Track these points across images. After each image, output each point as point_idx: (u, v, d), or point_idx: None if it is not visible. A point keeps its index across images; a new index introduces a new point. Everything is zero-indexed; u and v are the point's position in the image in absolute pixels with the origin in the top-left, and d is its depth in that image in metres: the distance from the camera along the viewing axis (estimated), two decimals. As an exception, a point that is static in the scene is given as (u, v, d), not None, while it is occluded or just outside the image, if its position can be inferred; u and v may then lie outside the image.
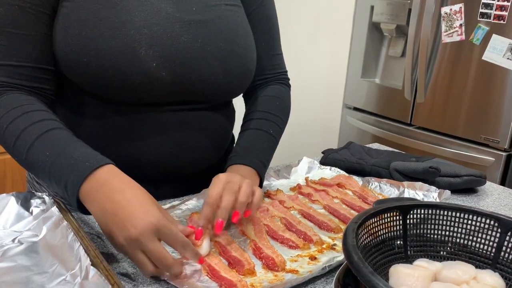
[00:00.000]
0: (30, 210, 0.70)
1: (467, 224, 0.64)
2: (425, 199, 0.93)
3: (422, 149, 2.18)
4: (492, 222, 0.63)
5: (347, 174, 1.06)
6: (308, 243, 0.76)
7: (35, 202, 0.71)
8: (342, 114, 2.64)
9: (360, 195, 0.97)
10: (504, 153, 1.96)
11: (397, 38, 2.34)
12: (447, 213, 0.65)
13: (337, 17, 2.62)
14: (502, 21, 1.87)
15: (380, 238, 0.62)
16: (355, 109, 2.55)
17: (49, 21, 0.76)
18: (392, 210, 0.63)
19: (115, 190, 0.66)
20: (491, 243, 0.63)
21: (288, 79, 1.04)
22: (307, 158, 1.12)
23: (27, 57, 0.76)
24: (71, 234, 0.63)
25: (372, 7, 2.34)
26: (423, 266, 0.58)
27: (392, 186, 0.99)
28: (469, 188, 1.05)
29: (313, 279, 0.68)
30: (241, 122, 0.96)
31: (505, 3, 1.84)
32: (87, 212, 0.69)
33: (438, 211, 0.65)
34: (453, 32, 2.02)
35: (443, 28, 2.05)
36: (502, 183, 1.97)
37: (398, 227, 0.64)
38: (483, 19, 1.91)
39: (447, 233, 0.65)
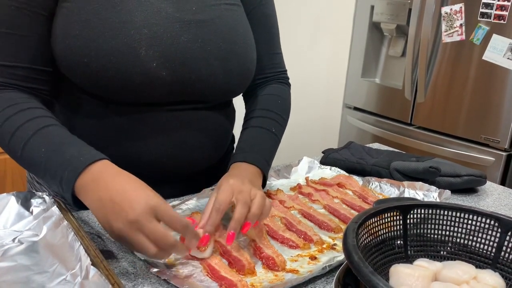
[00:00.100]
0: (31, 210, 0.70)
1: (467, 224, 0.64)
2: (425, 199, 0.93)
3: (422, 149, 2.18)
4: (492, 222, 0.63)
5: (347, 174, 1.06)
6: (309, 243, 0.76)
7: (35, 201, 0.71)
8: (342, 113, 2.64)
9: (360, 195, 0.97)
10: (504, 153, 1.96)
11: (397, 38, 2.34)
12: (447, 213, 0.65)
13: (337, 17, 2.62)
14: (502, 21, 1.87)
15: (380, 238, 0.62)
16: (355, 109, 2.55)
17: (46, 22, 0.76)
18: (392, 210, 0.63)
19: (110, 179, 0.67)
20: (491, 243, 0.63)
21: (288, 78, 1.04)
22: (307, 158, 1.12)
23: (22, 57, 0.76)
24: (71, 233, 0.63)
25: (372, 7, 2.34)
26: (423, 266, 0.58)
27: (392, 186, 0.99)
28: (469, 188, 1.05)
29: (313, 279, 0.68)
30: (241, 122, 0.96)
31: (506, 3, 1.84)
32: (82, 207, 0.69)
33: (438, 211, 0.65)
34: (453, 32, 2.02)
35: (443, 28, 2.05)
36: (502, 183, 1.97)
37: (398, 227, 0.64)
38: (484, 19, 1.91)
39: (447, 233, 0.65)
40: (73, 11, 0.75)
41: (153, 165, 0.85)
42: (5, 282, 0.58)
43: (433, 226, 0.65)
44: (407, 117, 2.28)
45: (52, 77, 0.82)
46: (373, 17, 2.35)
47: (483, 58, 1.94)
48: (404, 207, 0.64)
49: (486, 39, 1.92)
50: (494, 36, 1.89)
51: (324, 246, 0.76)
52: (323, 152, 1.18)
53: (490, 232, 0.63)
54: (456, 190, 1.03)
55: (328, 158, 1.14)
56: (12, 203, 0.71)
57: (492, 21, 1.89)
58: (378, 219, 0.62)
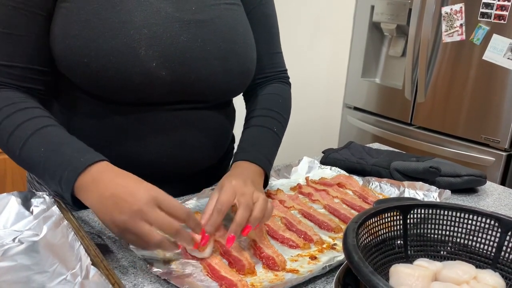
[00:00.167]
0: (31, 210, 0.70)
1: (467, 224, 0.64)
2: (426, 199, 0.93)
3: (423, 149, 2.18)
4: (492, 222, 0.63)
5: (347, 174, 1.06)
6: (309, 243, 0.76)
7: (35, 201, 0.71)
8: (343, 113, 2.64)
9: (360, 194, 0.97)
10: (504, 153, 1.96)
11: (397, 38, 2.34)
12: (448, 213, 0.65)
13: (337, 16, 2.62)
14: (502, 21, 1.86)
15: (380, 238, 0.62)
16: (356, 108, 2.55)
17: (44, 22, 0.76)
18: (393, 210, 0.63)
19: (110, 179, 0.68)
20: (491, 243, 0.63)
21: (288, 78, 1.04)
22: (307, 157, 1.12)
23: (19, 57, 0.76)
24: (71, 233, 0.63)
25: (373, 7, 2.34)
26: (424, 266, 0.58)
27: (393, 186, 0.99)
28: (469, 188, 1.05)
29: (314, 279, 0.68)
30: (241, 122, 0.96)
31: (506, 3, 1.84)
32: (82, 207, 0.70)
33: (438, 211, 0.65)
34: (453, 32, 2.02)
35: (444, 28, 2.05)
36: (503, 183, 1.97)
37: (398, 226, 0.64)
38: (484, 19, 1.91)
39: (448, 233, 0.65)
40: (73, 11, 0.75)
41: (153, 165, 0.85)
42: (5, 282, 0.58)
43: (433, 226, 0.65)
44: (407, 117, 2.28)
45: (49, 77, 0.82)
46: (373, 17, 2.35)
47: (483, 58, 1.94)
48: (404, 207, 0.64)
49: (486, 39, 1.92)
50: (494, 36, 1.89)
51: (324, 246, 0.76)
52: (323, 152, 1.18)
53: (490, 232, 0.63)
54: (456, 190, 1.03)
55: (328, 158, 1.14)
56: (12, 203, 0.71)
57: (492, 21, 1.89)
58: (378, 219, 0.62)
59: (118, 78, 0.75)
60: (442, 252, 0.65)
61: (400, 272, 0.56)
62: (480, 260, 0.63)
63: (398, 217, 0.64)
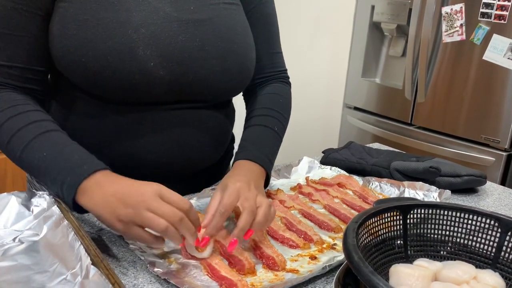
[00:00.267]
0: (31, 209, 0.70)
1: (467, 224, 0.64)
2: (426, 199, 0.93)
3: (423, 149, 2.18)
4: (492, 222, 0.63)
5: (347, 174, 1.06)
6: (309, 243, 0.76)
7: (35, 201, 0.71)
8: (343, 113, 2.64)
9: (360, 194, 0.97)
10: (504, 153, 1.95)
11: (397, 37, 2.34)
12: (448, 213, 0.65)
13: (337, 16, 2.62)
14: (502, 21, 1.86)
15: (380, 238, 0.62)
16: (356, 108, 2.55)
17: (42, 22, 0.77)
18: (393, 210, 0.63)
19: (114, 180, 0.70)
20: (491, 243, 0.63)
21: (288, 78, 1.03)
22: (307, 157, 1.12)
23: (18, 57, 0.76)
24: (71, 233, 0.63)
25: (373, 7, 2.34)
26: (423, 265, 0.58)
27: (393, 186, 0.99)
28: (469, 188, 1.05)
29: (314, 279, 0.68)
30: (241, 122, 0.96)
31: (506, 3, 1.84)
32: (80, 211, 0.70)
33: (438, 211, 0.65)
34: (453, 32, 2.02)
35: (444, 27, 2.05)
36: (503, 183, 1.97)
37: (398, 226, 0.64)
38: (484, 19, 1.91)
39: (448, 233, 0.65)
40: (71, 11, 0.75)
41: (152, 164, 0.85)
42: (5, 281, 0.58)
43: (433, 226, 0.65)
44: (407, 117, 2.27)
45: (47, 77, 0.82)
46: (373, 17, 2.35)
47: (484, 58, 1.94)
48: (404, 207, 0.64)
49: (487, 39, 1.92)
50: (495, 36, 1.89)
51: (324, 246, 0.76)
52: (323, 152, 1.18)
53: (490, 232, 0.63)
54: (456, 190, 1.03)
55: (328, 158, 1.14)
56: (12, 202, 0.71)
57: (493, 21, 1.89)
58: (378, 219, 0.62)
59: (116, 78, 0.75)
60: (442, 252, 0.65)
61: (400, 272, 0.56)
62: (480, 260, 0.63)
63: (398, 217, 0.64)
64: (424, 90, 2.16)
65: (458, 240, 0.65)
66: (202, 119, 0.87)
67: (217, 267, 0.67)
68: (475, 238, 0.64)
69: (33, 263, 0.61)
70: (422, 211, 0.65)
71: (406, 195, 0.95)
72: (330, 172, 1.09)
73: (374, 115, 2.44)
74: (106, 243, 0.75)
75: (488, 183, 1.09)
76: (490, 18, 1.89)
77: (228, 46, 0.83)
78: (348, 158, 1.12)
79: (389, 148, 1.28)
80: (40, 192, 0.72)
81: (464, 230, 0.65)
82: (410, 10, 2.13)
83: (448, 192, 0.93)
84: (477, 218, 0.64)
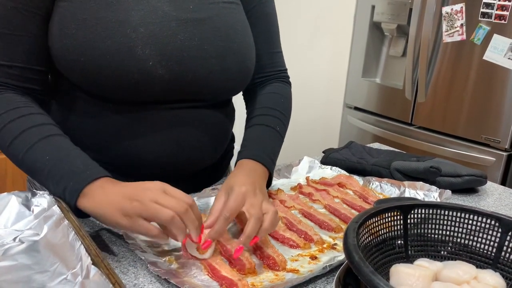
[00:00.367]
0: (31, 209, 0.70)
1: (468, 224, 0.64)
2: (426, 199, 0.93)
3: (423, 149, 2.18)
4: (493, 222, 0.63)
5: (347, 174, 1.06)
6: (309, 243, 0.76)
7: (36, 201, 0.71)
8: (343, 113, 2.64)
9: (360, 194, 0.97)
10: (504, 153, 1.95)
11: (398, 37, 2.34)
12: (448, 213, 0.65)
13: (337, 16, 2.62)
14: (503, 21, 1.86)
15: (380, 238, 0.62)
16: (356, 108, 2.55)
17: (42, 22, 0.77)
18: (393, 209, 0.63)
19: (117, 183, 0.71)
20: (492, 243, 0.63)
21: (289, 77, 1.03)
22: (307, 157, 1.12)
23: (18, 57, 0.77)
24: (72, 233, 0.63)
25: (373, 7, 2.34)
26: (424, 265, 0.58)
27: (393, 186, 0.99)
28: (470, 188, 1.05)
29: (314, 279, 0.68)
30: (241, 121, 0.96)
31: (506, 2, 1.84)
32: (82, 215, 0.70)
33: (439, 210, 0.65)
34: (454, 32, 2.02)
35: (444, 27, 2.05)
36: (503, 183, 1.97)
37: (398, 226, 0.64)
38: (484, 19, 1.91)
39: (448, 232, 0.65)
40: (70, 11, 0.75)
41: (152, 164, 0.85)
42: (5, 281, 0.58)
43: (433, 226, 0.65)
44: (407, 117, 2.27)
45: (47, 77, 0.83)
46: (373, 17, 2.35)
47: (484, 58, 1.94)
48: (405, 207, 0.64)
49: (487, 39, 1.92)
50: (495, 36, 1.89)
51: (325, 245, 0.76)
52: (323, 152, 1.18)
53: (490, 232, 0.63)
54: (457, 190, 1.03)
55: (329, 158, 1.14)
56: (13, 202, 0.71)
57: (493, 21, 1.89)
58: (378, 219, 0.62)
59: (115, 77, 0.75)
60: (442, 252, 0.65)
61: (400, 272, 0.56)
62: (480, 260, 0.63)
63: (398, 217, 0.64)
64: (424, 90, 2.16)
65: (458, 240, 0.65)
66: (202, 119, 0.87)
67: (217, 267, 0.67)
68: (475, 238, 0.64)
69: (33, 263, 0.61)
70: (423, 211, 0.65)
71: (407, 195, 0.95)
72: (331, 172, 1.09)
73: (375, 115, 2.44)
74: (106, 243, 0.75)
75: (489, 183, 1.09)
76: (491, 18, 1.89)
77: (228, 45, 0.83)
78: (349, 158, 1.12)
79: (390, 148, 1.28)
80: (41, 192, 0.72)
81: (464, 230, 0.64)
82: (411, 10, 2.13)
83: (448, 192, 0.93)
84: (477, 218, 0.64)
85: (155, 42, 0.76)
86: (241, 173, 0.80)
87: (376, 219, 0.61)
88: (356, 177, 1.05)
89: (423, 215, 0.65)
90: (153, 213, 0.65)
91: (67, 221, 0.65)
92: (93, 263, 0.57)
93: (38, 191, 0.72)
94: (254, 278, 0.67)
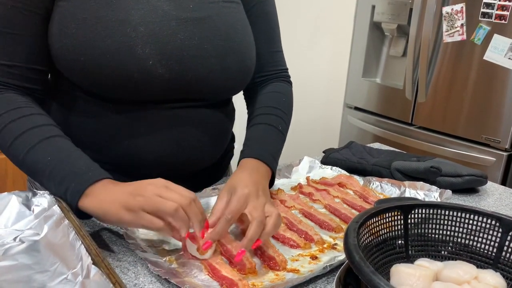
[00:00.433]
0: (32, 209, 0.70)
1: (468, 224, 0.64)
2: (426, 199, 0.93)
3: (423, 149, 2.18)
4: (493, 222, 0.63)
5: (348, 174, 1.06)
6: (309, 243, 0.76)
7: (36, 200, 0.71)
8: (343, 113, 2.64)
9: (361, 194, 0.97)
10: (505, 153, 1.95)
11: (398, 37, 2.34)
12: (448, 212, 0.65)
13: (338, 16, 2.62)
14: (503, 21, 1.86)
15: (381, 238, 0.62)
16: (356, 108, 2.55)
17: (42, 21, 0.77)
18: (393, 209, 0.63)
19: (118, 184, 0.71)
20: (492, 243, 0.63)
21: (289, 77, 1.03)
22: (308, 157, 1.12)
23: (18, 56, 0.77)
24: (72, 233, 0.63)
25: (373, 7, 2.34)
26: (424, 265, 0.58)
27: (393, 186, 0.99)
28: (470, 188, 1.05)
29: (314, 279, 0.68)
30: (241, 121, 0.96)
31: (507, 3, 1.84)
32: (83, 217, 0.70)
33: (439, 210, 0.65)
34: (454, 32, 2.02)
35: (444, 27, 2.05)
36: (503, 183, 1.97)
37: (399, 226, 0.64)
38: (485, 19, 1.91)
39: (449, 232, 0.65)
40: (70, 10, 0.75)
41: (152, 164, 0.85)
42: (6, 281, 0.58)
43: (434, 226, 0.65)
44: (407, 117, 2.27)
45: (47, 77, 0.83)
46: (374, 17, 2.35)
47: (484, 58, 1.94)
48: (405, 207, 0.64)
49: (487, 39, 1.92)
50: (495, 36, 1.89)
51: (325, 245, 0.76)
52: (324, 152, 1.18)
53: (491, 232, 0.63)
54: (457, 190, 1.03)
55: (329, 158, 1.14)
56: (13, 202, 0.71)
57: (493, 21, 1.89)
58: (379, 219, 0.62)
59: (115, 77, 0.75)
60: (443, 252, 0.65)
61: (401, 272, 0.56)
62: (481, 260, 0.63)
63: (399, 217, 0.64)
64: (424, 90, 2.16)
65: (459, 240, 0.65)
66: (202, 118, 0.87)
67: (218, 266, 0.67)
68: (476, 238, 0.64)
69: (33, 263, 0.61)
70: (423, 211, 0.65)
71: (407, 195, 0.95)
72: (331, 172, 1.09)
73: (375, 115, 2.44)
74: (107, 243, 0.75)
75: (489, 183, 1.09)
76: (491, 18, 1.89)
77: (228, 44, 0.83)
78: (349, 158, 1.12)
79: (390, 148, 1.28)
80: (41, 192, 0.72)
81: (465, 230, 0.64)
82: (411, 10, 2.13)
83: (449, 192, 0.93)
84: (478, 218, 0.64)
85: (155, 41, 0.76)
86: (244, 173, 0.80)
87: (377, 219, 0.61)
88: (356, 177, 1.05)
89: (423, 215, 0.65)
90: (157, 205, 0.65)
91: (67, 220, 0.65)
92: (94, 263, 0.57)
93: (38, 191, 0.72)
94: (254, 278, 0.66)
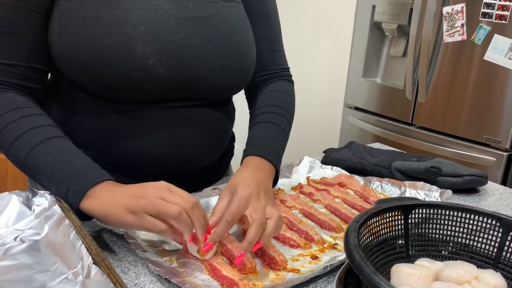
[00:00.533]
0: (32, 209, 0.70)
1: (468, 223, 0.64)
2: (427, 199, 0.93)
3: (423, 149, 2.18)
4: (493, 222, 0.63)
5: (348, 174, 1.06)
6: (310, 243, 0.76)
7: (37, 200, 0.71)
8: (343, 113, 2.64)
9: (361, 194, 0.97)
10: (505, 153, 1.95)
11: (398, 37, 2.34)
12: (449, 212, 0.65)
13: (338, 16, 2.62)
14: (503, 21, 1.86)
15: (381, 238, 0.62)
16: (356, 108, 2.55)
17: (42, 20, 0.77)
18: (394, 209, 0.63)
19: (120, 185, 0.71)
20: (492, 243, 0.63)
21: (291, 76, 1.03)
22: (308, 157, 1.12)
23: (19, 56, 0.77)
24: (73, 232, 0.63)
25: (374, 7, 2.33)
26: (425, 265, 0.58)
27: (394, 186, 0.99)
28: (470, 188, 1.05)
29: (315, 278, 0.68)
30: (241, 121, 0.96)
31: (507, 3, 1.84)
32: (84, 218, 0.70)
33: (439, 210, 0.65)
34: (454, 32, 2.02)
35: (445, 27, 2.05)
36: (504, 183, 1.97)
37: (399, 226, 0.64)
38: (485, 19, 1.91)
39: (449, 232, 0.65)
40: (70, 9, 0.75)
41: (152, 163, 0.85)
42: (6, 280, 0.58)
43: (434, 226, 0.65)
44: (408, 117, 2.27)
45: (47, 76, 0.83)
46: (374, 17, 2.35)
47: (485, 58, 1.94)
48: (406, 207, 0.64)
49: (488, 39, 1.92)
50: (496, 36, 1.89)
51: (325, 245, 0.76)
52: (324, 152, 1.18)
53: (491, 232, 0.63)
54: (458, 190, 1.03)
55: (329, 158, 1.14)
56: (13, 202, 0.71)
57: (494, 21, 1.89)
58: (379, 218, 0.62)
59: (115, 76, 0.75)
60: (443, 252, 0.65)
61: (401, 272, 0.56)
62: (481, 260, 0.63)
63: (399, 217, 0.64)
64: (425, 90, 2.16)
65: (459, 240, 0.65)
66: (202, 118, 0.87)
67: (218, 266, 0.67)
68: (476, 238, 0.64)
69: (34, 262, 0.61)
70: (424, 211, 0.65)
71: (407, 195, 0.95)
72: (331, 172, 1.09)
73: (375, 115, 2.44)
74: (107, 242, 0.75)
75: (489, 183, 1.09)
76: (491, 18, 1.89)
77: (228, 43, 0.83)
78: (349, 158, 1.12)
79: (390, 148, 1.28)
80: (42, 191, 0.72)
81: (465, 230, 0.64)
82: (411, 10, 2.13)
83: (449, 192, 0.93)
84: (478, 218, 0.64)
85: (155, 41, 0.76)
86: (247, 172, 0.79)
87: (377, 219, 0.61)
88: (356, 177, 1.05)
89: (424, 215, 0.65)
90: (160, 208, 0.65)
91: (68, 220, 0.65)
92: (94, 263, 0.57)
93: (39, 191, 0.72)
94: (255, 277, 0.67)
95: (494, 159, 1.97)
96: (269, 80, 0.99)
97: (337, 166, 1.10)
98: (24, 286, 0.58)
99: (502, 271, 0.61)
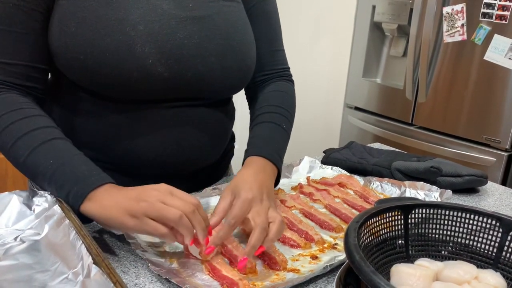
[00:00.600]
0: (32, 209, 0.70)
1: (468, 224, 0.64)
2: (427, 199, 0.93)
3: (423, 149, 2.18)
4: (493, 222, 0.63)
5: (348, 174, 1.06)
6: (310, 242, 0.76)
7: (37, 200, 0.71)
8: (343, 113, 2.64)
9: (361, 194, 0.97)
10: (505, 153, 1.95)
11: (398, 37, 2.34)
12: (449, 212, 0.65)
13: (338, 16, 2.62)
14: (504, 21, 1.86)
15: (381, 238, 0.62)
16: (356, 108, 2.55)
17: (43, 19, 0.77)
18: (394, 209, 0.63)
19: (122, 189, 0.70)
20: (492, 243, 0.63)
21: (291, 76, 1.03)
22: (308, 157, 1.12)
23: (20, 55, 0.76)
24: (73, 232, 0.63)
25: (374, 7, 2.34)
26: (425, 265, 0.58)
27: (394, 186, 0.99)
28: (470, 188, 1.05)
29: (315, 278, 0.68)
30: (241, 120, 0.96)
31: (507, 3, 1.84)
32: (84, 220, 0.70)
33: (439, 210, 0.65)
34: (454, 32, 2.02)
35: (445, 28, 2.05)
36: (504, 183, 1.97)
37: (399, 226, 0.64)
38: (485, 19, 1.91)
39: (449, 232, 0.65)
40: (70, 9, 0.75)
41: (152, 163, 0.85)
42: (6, 280, 0.58)
43: (434, 226, 0.65)
44: (408, 117, 2.27)
45: (47, 76, 0.83)
46: (374, 17, 2.35)
47: (485, 58, 1.94)
48: (406, 207, 0.64)
49: (488, 39, 1.92)
50: (496, 36, 1.89)
51: (325, 245, 0.76)
52: (324, 152, 1.18)
53: (491, 232, 0.63)
54: (457, 190, 1.03)
55: (329, 158, 1.14)
56: (14, 201, 0.71)
57: (494, 21, 1.89)
58: (379, 218, 0.62)
59: (115, 75, 0.75)
60: (443, 252, 0.65)
61: (401, 272, 0.56)
62: (481, 260, 0.63)
63: (399, 217, 0.64)
64: (425, 90, 2.16)
65: (459, 240, 0.65)
66: (202, 118, 0.87)
67: (218, 266, 0.67)
68: (476, 238, 0.64)
69: (34, 262, 0.61)
70: (423, 211, 0.65)
71: (407, 195, 0.95)
72: (331, 172, 1.09)
73: (375, 115, 2.44)
74: (107, 243, 0.75)
75: (489, 183, 1.09)
76: (491, 18, 1.89)
77: (228, 43, 0.83)
78: (349, 158, 1.12)
79: (390, 148, 1.28)
80: (42, 192, 0.72)
81: (465, 230, 0.65)
82: (411, 10, 2.13)
83: (449, 192, 0.93)
84: (478, 218, 0.64)
85: (155, 40, 0.76)
86: (250, 173, 0.79)
87: (377, 219, 0.61)
88: (356, 177, 1.05)
89: (423, 215, 0.65)
90: (161, 212, 0.65)
91: (68, 220, 0.65)
92: (94, 263, 0.57)
93: (39, 191, 0.72)
94: (254, 277, 0.67)
95: (494, 159, 1.97)
96: (269, 80, 0.99)
97: (337, 166, 1.10)
98: (24, 286, 0.58)
99: (502, 271, 0.61)
